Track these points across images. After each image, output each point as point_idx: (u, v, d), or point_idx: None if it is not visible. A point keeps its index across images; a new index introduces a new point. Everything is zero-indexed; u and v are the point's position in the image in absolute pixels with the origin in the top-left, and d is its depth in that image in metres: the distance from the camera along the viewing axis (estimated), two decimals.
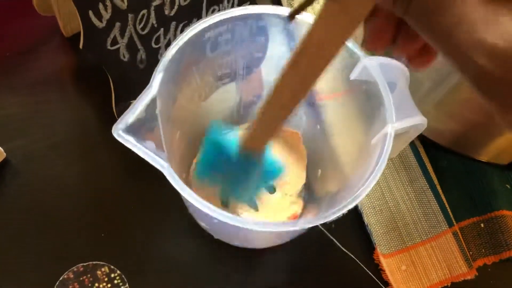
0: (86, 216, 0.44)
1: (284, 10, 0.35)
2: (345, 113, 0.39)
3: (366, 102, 0.35)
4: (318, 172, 0.43)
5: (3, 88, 0.48)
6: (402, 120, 0.32)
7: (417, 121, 0.33)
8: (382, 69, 0.33)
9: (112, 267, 0.41)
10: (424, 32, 0.21)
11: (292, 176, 0.42)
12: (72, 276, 0.41)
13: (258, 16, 0.35)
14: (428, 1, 0.19)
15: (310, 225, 0.29)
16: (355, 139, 0.38)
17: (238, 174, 0.33)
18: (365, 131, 0.35)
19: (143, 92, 0.31)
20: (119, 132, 0.30)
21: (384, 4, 0.21)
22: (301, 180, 0.42)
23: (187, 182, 0.43)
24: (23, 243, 0.42)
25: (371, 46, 0.24)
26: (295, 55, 0.23)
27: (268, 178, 0.35)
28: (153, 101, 0.31)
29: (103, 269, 0.41)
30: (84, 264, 0.41)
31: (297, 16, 0.27)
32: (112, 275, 0.41)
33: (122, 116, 0.30)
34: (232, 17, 0.34)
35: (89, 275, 0.41)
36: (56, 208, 0.44)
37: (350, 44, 0.34)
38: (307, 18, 0.34)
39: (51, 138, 0.46)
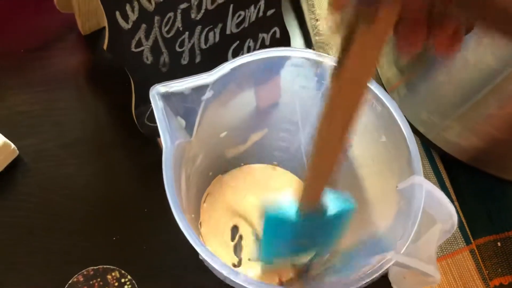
0: (98, 219, 0.43)
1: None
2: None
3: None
4: None
5: (17, 85, 0.47)
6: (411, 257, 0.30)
7: (428, 270, 0.30)
8: (429, 197, 0.31)
9: (123, 271, 0.41)
10: (479, 14, 0.21)
11: None
12: (82, 279, 0.40)
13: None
14: None
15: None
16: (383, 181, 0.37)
17: (309, 233, 0.32)
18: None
19: (200, 74, 0.32)
20: (158, 90, 0.31)
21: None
22: None
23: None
24: (33, 243, 0.41)
25: (407, 49, 0.24)
26: (331, 94, 0.23)
27: (341, 220, 0.32)
28: (204, 87, 0.32)
29: (113, 274, 0.41)
30: (95, 267, 0.41)
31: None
32: (123, 280, 0.41)
33: (168, 82, 0.31)
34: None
35: (99, 279, 0.40)
36: (67, 208, 0.43)
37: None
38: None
39: (64, 137, 0.46)
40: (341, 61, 0.22)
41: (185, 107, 0.33)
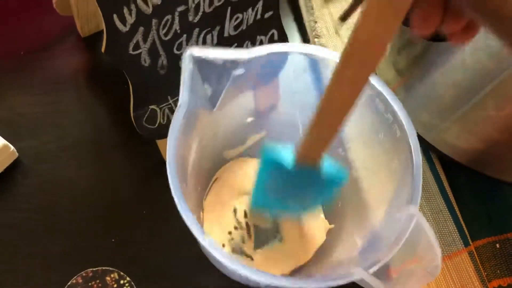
0: (97, 220, 0.43)
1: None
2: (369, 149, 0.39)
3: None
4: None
5: (17, 87, 0.48)
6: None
7: None
8: (419, 232, 0.30)
9: (121, 273, 0.41)
10: (475, 14, 0.22)
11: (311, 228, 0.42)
12: (80, 281, 0.40)
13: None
14: None
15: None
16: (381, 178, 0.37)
17: (298, 188, 0.32)
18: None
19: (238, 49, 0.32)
20: (191, 52, 0.31)
21: None
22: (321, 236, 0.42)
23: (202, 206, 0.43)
24: (32, 244, 0.42)
25: (420, 31, 0.25)
26: (345, 55, 0.23)
27: (332, 187, 0.32)
28: (238, 62, 0.32)
29: (112, 275, 0.41)
30: (94, 269, 0.41)
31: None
32: (122, 282, 0.41)
33: (204, 48, 0.31)
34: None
35: (98, 281, 0.41)
36: (66, 210, 0.43)
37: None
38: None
39: (64, 139, 0.46)
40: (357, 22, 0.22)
41: (214, 77, 0.33)
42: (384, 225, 0.33)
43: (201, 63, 0.31)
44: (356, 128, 0.37)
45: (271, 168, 0.31)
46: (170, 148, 0.30)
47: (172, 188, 0.29)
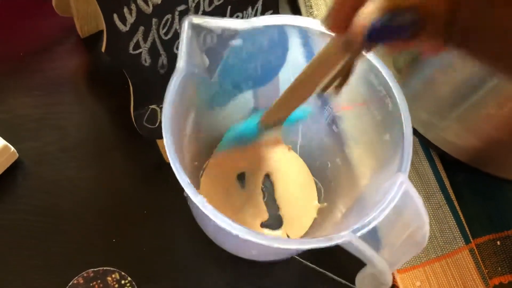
0: (98, 221, 0.43)
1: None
2: (362, 124, 0.39)
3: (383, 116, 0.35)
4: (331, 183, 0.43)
5: (17, 88, 0.48)
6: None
7: (380, 265, 0.30)
8: (406, 199, 0.31)
9: (122, 273, 0.41)
10: (474, 55, 0.21)
11: (301, 210, 0.43)
12: (82, 281, 0.40)
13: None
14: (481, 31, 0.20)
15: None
16: (370, 148, 0.38)
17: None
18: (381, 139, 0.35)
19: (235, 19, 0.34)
20: (190, 19, 0.31)
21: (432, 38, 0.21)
22: (311, 214, 0.43)
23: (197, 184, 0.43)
24: (33, 245, 0.42)
25: (391, 49, 0.25)
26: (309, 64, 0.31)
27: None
28: (235, 33, 0.33)
29: (113, 275, 0.41)
30: (95, 269, 0.41)
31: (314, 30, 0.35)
32: (123, 282, 0.41)
33: (203, 16, 0.32)
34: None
35: (99, 281, 0.41)
36: (67, 211, 0.43)
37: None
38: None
39: (64, 140, 0.46)
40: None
41: (212, 47, 0.33)
42: (374, 193, 0.33)
43: (199, 32, 0.31)
44: (349, 101, 0.38)
45: (238, 131, 0.41)
46: (166, 111, 0.30)
47: (167, 151, 0.29)
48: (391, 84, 0.33)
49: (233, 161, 0.44)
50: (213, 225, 0.29)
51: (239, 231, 0.28)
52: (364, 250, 0.29)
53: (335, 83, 0.30)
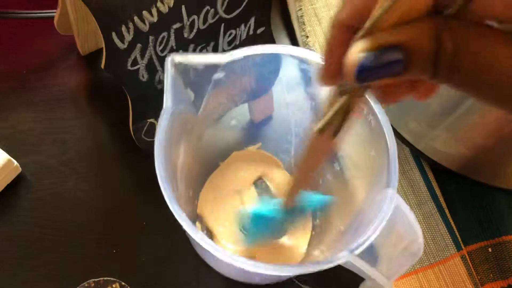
0: (98, 232, 0.44)
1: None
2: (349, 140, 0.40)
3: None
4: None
5: (20, 104, 0.49)
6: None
7: (380, 280, 0.31)
8: (398, 214, 0.31)
9: (123, 283, 0.42)
10: (471, 92, 0.22)
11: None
12: None
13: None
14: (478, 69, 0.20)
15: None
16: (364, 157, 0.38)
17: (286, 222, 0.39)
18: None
19: (216, 53, 0.34)
20: (173, 58, 0.32)
21: (421, 76, 0.22)
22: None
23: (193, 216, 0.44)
24: (35, 257, 0.42)
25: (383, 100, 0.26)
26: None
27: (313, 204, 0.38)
28: (217, 66, 0.34)
29: (114, 286, 0.42)
30: (96, 279, 0.42)
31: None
32: None
33: (185, 53, 0.33)
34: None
35: None
36: (68, 223, 0.44)
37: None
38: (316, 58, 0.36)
39: (66, 154, 0.47)
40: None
41: (196, 82, 0.34)
42: (369, 208, 0.33)
43: (182, 68, 0.33)
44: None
45: (260, 221, 0.38)
46: (158, 151, 0.31)
47: (164, 193, 0.31)
48: (370, 101, 0.34)
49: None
50: (213, 256, 0.30)
51: (241, 263, 0.29)
52: (362, 267, 0.30)
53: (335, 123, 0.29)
